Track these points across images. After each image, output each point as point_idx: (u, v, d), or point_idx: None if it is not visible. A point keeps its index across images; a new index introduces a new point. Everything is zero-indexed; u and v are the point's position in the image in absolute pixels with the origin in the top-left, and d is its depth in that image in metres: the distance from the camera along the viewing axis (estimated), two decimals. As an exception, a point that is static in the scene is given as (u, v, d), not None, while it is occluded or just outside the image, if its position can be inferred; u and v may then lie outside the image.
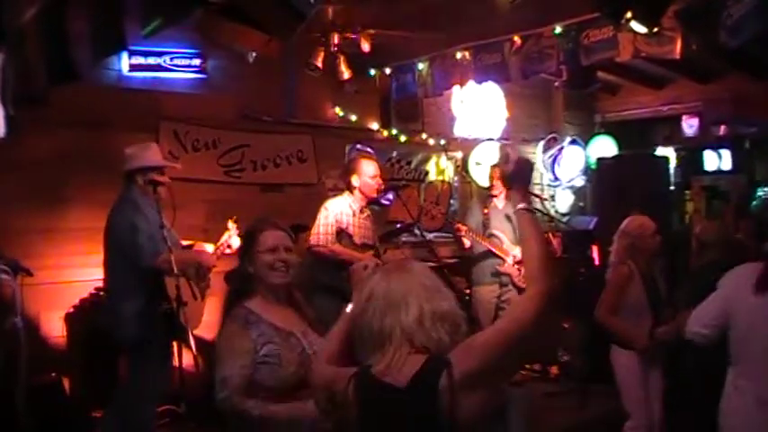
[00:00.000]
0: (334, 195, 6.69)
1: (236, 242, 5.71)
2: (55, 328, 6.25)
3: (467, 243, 7.25)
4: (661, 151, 10.73)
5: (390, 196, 7.78)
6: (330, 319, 5.71)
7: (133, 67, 7.26)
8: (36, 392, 5.36)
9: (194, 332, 5.05)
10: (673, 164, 10.34)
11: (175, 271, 4.97)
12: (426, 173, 9.75)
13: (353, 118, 8.89)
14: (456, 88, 8.41)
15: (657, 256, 5.61)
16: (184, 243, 5.45)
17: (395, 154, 9.32)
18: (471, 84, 7.81)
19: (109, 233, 5.26)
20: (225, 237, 5.75)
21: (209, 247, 5.78)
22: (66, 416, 5.69)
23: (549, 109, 11.25)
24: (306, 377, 2.91)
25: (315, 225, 6.12)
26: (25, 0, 3.20)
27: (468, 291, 7.47)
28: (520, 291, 7.28)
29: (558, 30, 6.70)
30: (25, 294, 5.26)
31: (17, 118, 3.61)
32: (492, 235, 7.24)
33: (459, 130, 9.76)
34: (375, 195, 6.36)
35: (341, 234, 6.10)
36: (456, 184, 10.06)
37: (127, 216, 5.11)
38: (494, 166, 7.86)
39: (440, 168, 9.87)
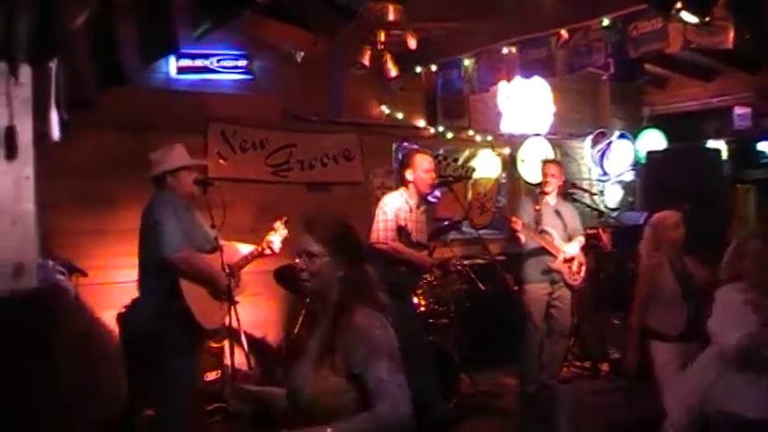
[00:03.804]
0: (383, 193, 6.69)
1: (277, 242, 5.72)
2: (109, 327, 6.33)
3: (522, 239, 7.20)
4: (712, 144, 10.56)
5: (438, 193, 7.76)
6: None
7: (180, 70, 7.35)
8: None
9: (247, 331, 5.08)
10: (724, 156, 10.18)
11: (189, 273, 5.06)
12: (473, 170, 9.71)
13: (400, 116, 8.88)
14: (502, 84, 8.36)
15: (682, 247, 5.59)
16: (223, 243, 5.47)
17: (441, 151, 9.29)
18: (517, 79, 7.75)
19: (140, 234, 5.34)
20: (268, 236, 5.76)
21: (243, 248, 5.79)
22: (119, 414, 5.75)
23: (596, 103, 11.13)
24: None
25: (374, 222, 6.11)
26: (76, 6, 3.25)
27: (516, 288, 7.43)
28: (571, 288, 7.23)
29: (606, 22, 6.61)
30: (79, 294, 5.33)
31: (70, 122, 3.67)
32: (544, 231, 7.19)
33: (506, 126, 9.71)
34: (429, 190, 6.36)
35: (399, 232, 6.09)
36: (503, 181, 10.00)
37: (155, 216, 5.17)
38: (544, 162, 7.82)
39: (487, 165, 9.81)
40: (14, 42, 3.06)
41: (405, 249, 6.09)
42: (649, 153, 10.16)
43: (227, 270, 5.23)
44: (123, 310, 6.39)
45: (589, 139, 10.92)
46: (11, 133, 3.31)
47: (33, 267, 3.55)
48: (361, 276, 3.14)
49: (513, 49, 7.41)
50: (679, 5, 4.90)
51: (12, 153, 3.33)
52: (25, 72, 3.27)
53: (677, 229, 5.51)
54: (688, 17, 5.21)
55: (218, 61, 7.54)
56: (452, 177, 8.79)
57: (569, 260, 7.18)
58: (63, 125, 3.57)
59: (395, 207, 6.14)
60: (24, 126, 3.38)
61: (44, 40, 3.12)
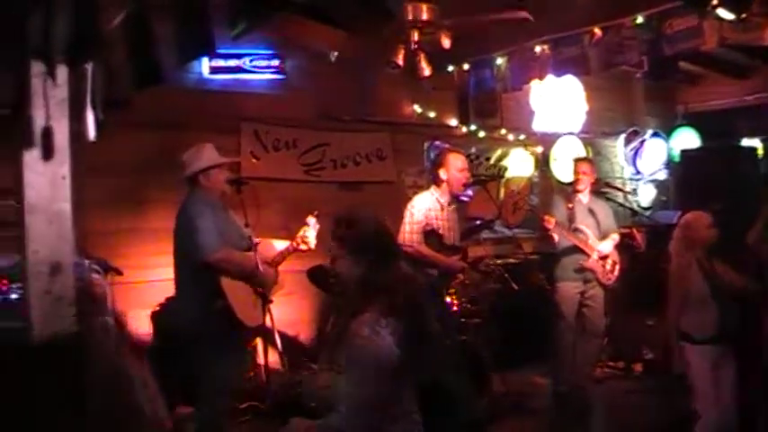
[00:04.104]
0: (414, 193, 6.67)
1: (311, 237, 5.71)
2: (142, 326, 6.39)
3: (555, 238, 7.16)
4: (746, 142, 10.44)
5: (470, 192, 7.73)
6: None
7: (213, 70, 7.40)
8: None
9: (281, 330, 5.09)
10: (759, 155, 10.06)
11: (229, 272, 5.07)
12: (505, 169, 9.67)
13: (432, 115, 8.87)
14: (534, 82, 8.32)
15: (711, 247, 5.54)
16: (258, 239, 5.48)
17: (474, 150, 9.27)
18: (550, 77, 7.71)
19: (174, 234, 5.35)
20: (301, 232, 5.76)
21: (279, 244, 5.79)
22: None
23: (629, 101, 11.05)
24: None
25: (402, 224, 6.09)
26: (112, 6, 3.27)
27: (548, 287, 7.40)
28: (604, 287, 7.18)
29: (640, 20, 6.56)
30: (114, 293, 5.38)
31: (105, 122, 3.69)
32: (577, 229, 7.14)
33: (538, 125, 9.67)
34: (462, 189, 6.34)
35: (430, 234, 6.05)
36: (536, 180, 9.95)
37: (190, 217, 5.16)
38: (575, 161, 7.76)
39: (519, 164, 9.77)
40: (52, 43, 3.08)
41: (430, 253, 6.04)
42: (683, 152, 10.07)
43: (262, 268, 5.23)
44: (157, 308, 6.44)
45: (622, 137, 10.86)
46: (47, 133, 3.34)
47: (70, 266, 3.58)
48: (376, 277, 3.13)
49: (546, 48, 7.37)
50: (715, 2, 4.86)
51: (48, 153, 3.36)
52: (62, 72, 3.29)
53: (708, 231, 5.45)
54: (724, 14, 5.15)
55: (251, 61, 7.58)
56: (485, 176, 8.77)
57: (603, 258, 7.12)
58: (98, 125, 3.60)
59: (423, 208, 6.11)
60: (61, 126, 3.41)
61: (81, 40, 3.14)
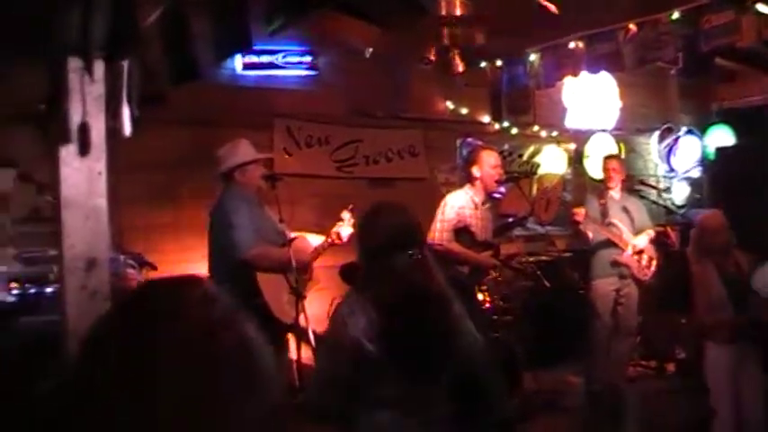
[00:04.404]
0: (447, 190, 6.65)
1: (345, 231, 5.70)
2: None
3: (588, 234, 7.11)
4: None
5: (502, 189, 7.70)
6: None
7: (246, 66, 7.43)
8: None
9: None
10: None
11: (265, 268, 5.07)
12: (538, 165, 9.63)
13: (464, 111, 8.85)
14: (568, 79, 8.26)
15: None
16: (294, 234, 5.48)
17: (506, 147, 9.23)
18: (584, 74, 7.66)
19: (210, 230, 5.36)
20: (336, 227, 5.75)
21: (314, 239, 5.79)
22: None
23: (663, 98, 10.94)
24: None
25: (434, 221, 6.07)
26: (150, 3, 3.29)
27: (581, 285, 7.35)
28: (640, 283, 7.12)
29: (676, 15, 6.49)
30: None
31: (140, 118, 3.72)
32: (611, 224, 7.08)
33: (572, 122, 9.61)
34: (496, 186, 6.31)
35: (462, 232, 6.03)
36: (569, 177, 9.90)
37: (226, 212, 5.18)
38: (605, 158, 7.71)
39: (552, 161, 9.71)
40: (90, 39, 3.10)
41: (461, 250, 6.02)
42: (718, 149, 9.95)
43: (295, 264, 5.23)
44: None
45: (656, 134, 10.75)
46: (84, 129, 3.37)
47: (105, 262, 3.61)
48: (371, 267, 3.19)
49: (580, 44, 7.31)
50: (754, -3, 4.80)
51: (85, 149, 3.39)
52: (98, 68, 3.32)
53: (721, 234, 5.38)
54: (764, 9, 5.08)
55: (284, 57, 7.60)
56: (517, 173, 8.73)
57: (638, 253, 7.06)
58: (134, 121, 3.63)
59: (457, 206, 6.08)
60: (97, 122, 3.44)
61: (119, 37, 3.16)
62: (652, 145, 10.74)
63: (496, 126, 9.07)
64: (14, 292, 5.41)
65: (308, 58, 7.70)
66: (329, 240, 5.70)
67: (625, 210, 7.19)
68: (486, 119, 9.01)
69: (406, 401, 2.98)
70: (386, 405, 2.99)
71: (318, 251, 5.69)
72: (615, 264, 7.05)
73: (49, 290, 5.71)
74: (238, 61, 7.36)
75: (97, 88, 3.38)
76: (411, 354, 2.89)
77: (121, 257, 5.22)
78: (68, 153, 3.40)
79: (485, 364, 5.64)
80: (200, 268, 5.64)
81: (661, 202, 8.89)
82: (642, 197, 7.86)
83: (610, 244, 7.05)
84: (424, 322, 2.96)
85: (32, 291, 5.70)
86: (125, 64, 3.41)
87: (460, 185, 6.39)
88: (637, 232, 7.17)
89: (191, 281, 1.26)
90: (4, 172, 6.00)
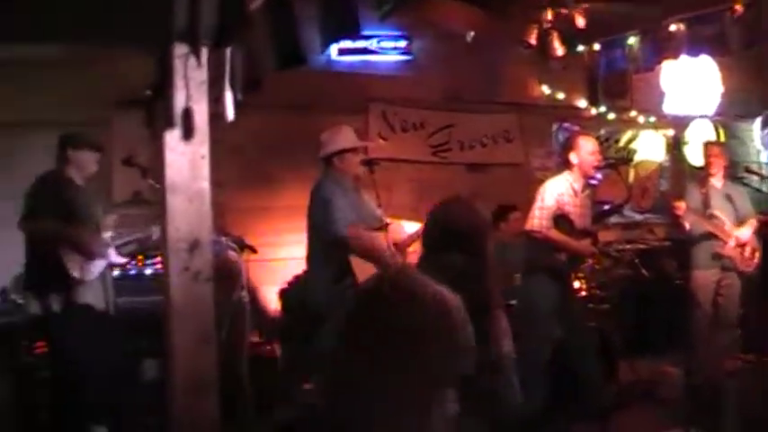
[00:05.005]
0: (543, 175, 6.57)
1: None
2: (272, 302, 6.54)
3: (687, 225, 6.94)
4: None
5: (599, 176, 7.55)
6: (547, 303, 5.63)
7: (341, 51, 7.47)
8: (255, 363, 5.60)
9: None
10: None
11: (359, 251, 5.07)
12: (635, 152, 9.43)
13: (560, 96, 8.71)
14: (666, 62, 8.05)
15: None
16: (389, 220, 5.49)
17: (602, 132, 9.06)
18: (683, 57, 7.44)
19: (309, 211, 5.40)
20: None
21: (409, 226, 5.78)
22: (278, 387, 5.91)
23: (764, 82, 10.57)
24: None
25: (532, 208, 6.00)
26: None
27: (679, 275, 7.18)
28: (743, 274, 6.93)
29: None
30: (248, 270, 5.51)
31: (242, 103, 3.78)
32: (712, 216, 6.89)
33: (670, 107, 9.37)
34: (593, 173, 6.20)
35: (561, 219, 5.94)
36: (666, 164, 9.67)
37: (323, 193, 5.20)
38: (705, 144, 7.50)
39: (649, 147, 9.50)
40: (197, 26, 3.16)
41: (560, 237, 5.93)
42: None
43: (391, 249, 5.24)
44: (286, 285, 6.55)
45: (758, 120, 10.40)
46: (188, 114, 3.44)
47: (208, 244, 3.69)
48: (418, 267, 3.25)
49: (682, 26, 7.10)
50: None
51: (189, 133, 3.46)
52: (202, 55, 3.38)
53: None
54: None
55: (379, 42, 7.60)
56: (614, 159, 8.56)
57: (742, 245, 6.86)
58: (236, 106, 3.68)
59: (556, 193, 5.98)
60: (200, 107, 3.50)
61: (226, 23, 3.21)
62: (755, 131, 10.39)
63: (593, 111, 8.89)
64: (116, 273, 5.58)
65: (402, 43, 7.70)
66: (418, 233, 5.70)
67: (728, 198, 6.97)
68: (582, 103, 8.85)
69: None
70: None
71: (413, 238, 5.67)
72: (717, 256, 6.86)
73: (148, 271, 5.87)
74: (333, 47, 7.37)
75: (201, 74, 3.45)
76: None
77: (223, 239, 5.32)
78: (173, 138, 3.48)
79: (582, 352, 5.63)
80: (297, 251, 5.71)
81: (764, 189, 8.60)
82: (745, 185, 7.62)
83: (711, 235, 6.86)
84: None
85: (132, 272, 5.88)
86: (229, 50, 3.46)
87: (557, 171, 6.29)
88: (740, 221, 6.95)
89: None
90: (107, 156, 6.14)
